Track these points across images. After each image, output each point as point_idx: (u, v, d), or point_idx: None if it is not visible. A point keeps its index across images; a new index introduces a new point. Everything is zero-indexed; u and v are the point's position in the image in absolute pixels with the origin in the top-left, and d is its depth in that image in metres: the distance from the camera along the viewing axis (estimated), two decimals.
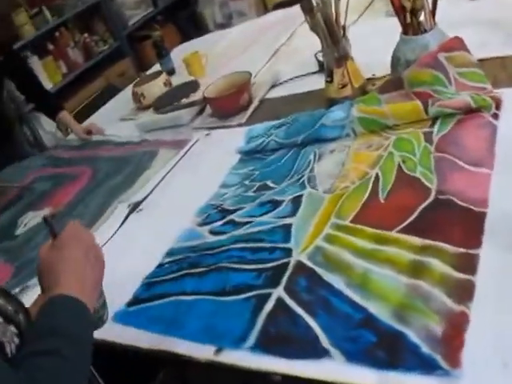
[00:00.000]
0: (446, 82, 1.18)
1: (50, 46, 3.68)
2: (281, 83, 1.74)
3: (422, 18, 1.25)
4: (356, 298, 0.81)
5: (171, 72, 2.39)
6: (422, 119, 1.14)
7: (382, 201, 0.98)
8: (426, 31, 1.24)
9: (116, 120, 2.14)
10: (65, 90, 3.64)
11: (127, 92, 2.25)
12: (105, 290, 0.89)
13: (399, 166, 1.05)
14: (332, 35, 1.32)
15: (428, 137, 1.09)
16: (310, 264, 0.91)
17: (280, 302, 0.87)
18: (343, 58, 1.34)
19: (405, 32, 1.27)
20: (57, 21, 3.73)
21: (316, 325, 0.80)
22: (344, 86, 1.36)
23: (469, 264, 0.78)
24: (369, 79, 1.44)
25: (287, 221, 1.04)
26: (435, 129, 1.10)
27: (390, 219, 0.92)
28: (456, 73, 1.19)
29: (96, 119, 2.29)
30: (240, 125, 1.58)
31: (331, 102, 1.38)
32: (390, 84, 1.28)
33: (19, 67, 2.17)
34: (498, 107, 1.09)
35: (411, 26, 1.25)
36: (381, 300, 0.78)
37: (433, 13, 1.25)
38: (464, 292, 0.74)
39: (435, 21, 1.25)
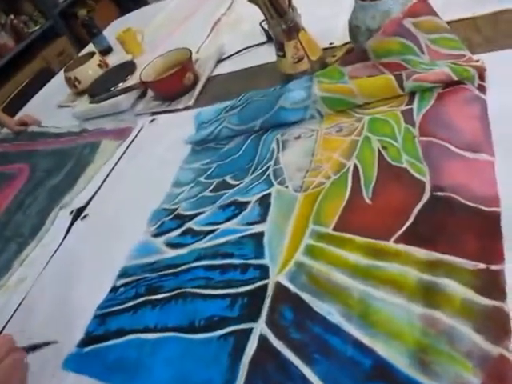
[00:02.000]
0: (417, 51, 0.96)
1: None
2: (227, 57, 1.49)
3: None
4: (359, 335, 0.60)
5: (107, 51, 2.10)
6: (397, 95, 0.93)
7: (368, 201, 0.76)
8: None
9: (53, 107, 1.85)
10: None
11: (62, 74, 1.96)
12: (51, 327, 0.79)
13: (380, 153, 0.83)
14: (276, 6, 1.08)
15: (407, 117, 0.87)
16: (292, 288, 0.70)
17: (264, 341, 0.65)
18: (293, 29, 1.10)
19: None
20: None
21: (314, 375, 0.59)
22: (300, 59, 1.13)
23: (494, 285, 0.58)
24: (326, 49, 1.21)
25: (257, 228, 0.82)
26: (414, 106, 0.89)
27: (382, 224, 0.71)
28: (427, 39, 0.97)
29: (31, 108, 2.00)
30: (188, 107, 1.34)
31: (287, 78, 1.15)
32: (353, 55, 1.06)
33: None
34: (482, 78, 0.89)
35: None
36: (391, 338, 0.58)
37: None
38: (497, 326, 0.55)
39: None
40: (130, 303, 0.83)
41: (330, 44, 1.24)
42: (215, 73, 1.45)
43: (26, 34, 3.50)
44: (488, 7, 1.06)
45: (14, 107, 2.10)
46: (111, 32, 2.15)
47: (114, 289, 0.88)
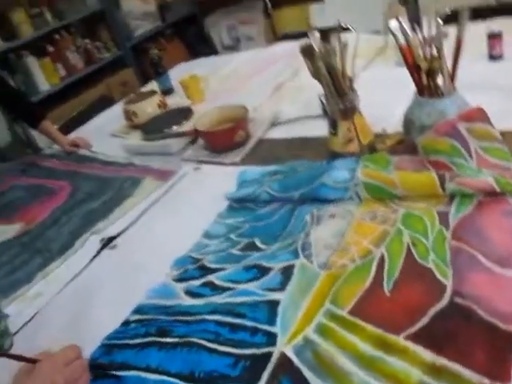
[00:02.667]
0: (465, 155, 1.00)
1: (50, 48, 3.47)
2: (281, 123, 1.55)
3: (439, 80, 1.08)
4: None
5: (168, 91, 2.20)
6: (436, 195, 0.96)
7: (387, 293, 0.78)
8: (443, 95, 1.07)
9: (106, 135, 1.95)
10: (64, 93, 3.44)
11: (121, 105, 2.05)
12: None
13: (408, 248, 0.86)
14: (337, 86, 1.13)
15: (443, 218, 0.90)
16: (296, 362, 0.71)
17: None
18: (349, 110, 1.15)
19: (420, 93, 1.10)
20: (58, 23, 3.53)
21: None
22: (350, 140, 1.18)
23: None
24: (378, 135, 1.25)
25: (275, 296, 0.84)
26: (452, 209, 0.92)
27: (396, 318, 0.73)
28: (478, 146, 1.00)
29: (85, 130, 2.10)
30: (234, 163, 1.39)
31: (334, 155, 1.20)
32: (402, 147, 1.10)
33: None
34: None
35: (427, 87, 1.08)
36: None
37: (452, 76, 1.08)
38: None
39: (454, 85, 1.08)
40: (138, 340, 0.85)
41: (383, 130, 1.27)
42: (267, 135, 1.50)
43: (97, 58, 3.69)
44: None
45: (70, 127, 2.21)
46: (176, 73, 2.26)
47: (126, 323, 0.91)
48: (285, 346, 0.75)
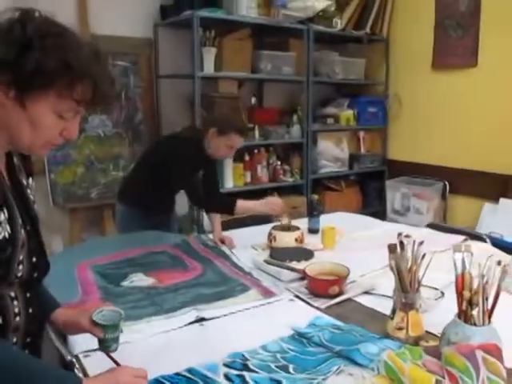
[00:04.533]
0: (474, 378, 1.25)
1: (246, 157, 4.13)
2: (372, 293, 1.88)
3: (476, 311, 1.34)
4: None
5: (314, 231, 2.63)
6: None
7: None
8: (475, 324, 1.34)
9: (250, 243, 2.44)
10: (244, 196, 4.07)
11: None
12: None
13: None
14: (402, 283, 1.47)
15: None
16: None
17: None
18: (408, 306, 1.47)
19: (459, 315, 1.37)
20: (262, 141, 4.19)
21: None
22: (401, 328, 1.49)
23: None
24: (428, 333, 1.53)
25: None
26: None
27: None
28: (486, 376, 1.26)
29: (239, 233, 2.62)
30: (318, 308, 1.75)
31: (386, 335, 1.51)
32: (433, 350, 1.39)
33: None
34: None
35: (464, 313, 1.36)
36: None
37: (489, 312, 1.34)
38: None
39: (490, 319, 1.34)
40: None
41: (439, 333, 1.54)
42: (356, 298, 1.84)
43: (280, 179, 4.32)
44: None
45: (232, 225, 2.76)
46: (332, 217, 2.70)
47: (178, 373, 1.30)
48: None
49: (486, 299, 1.34)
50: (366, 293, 1.89)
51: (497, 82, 4.00)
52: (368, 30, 4.59)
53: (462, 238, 2.47)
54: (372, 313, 1.73)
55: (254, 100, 4.38)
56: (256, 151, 4.22)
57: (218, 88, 3.98)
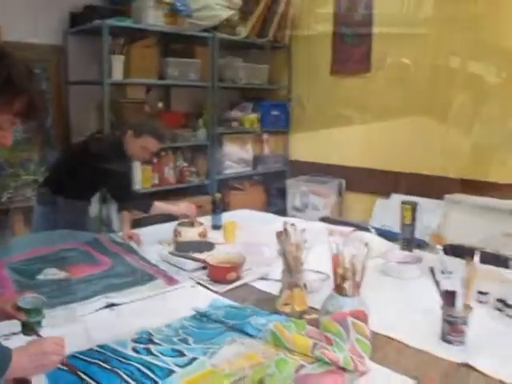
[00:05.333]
0: (345, 338, 1.49)
1: (155, 160, 4.28)
2: (266, 279, 2.11)
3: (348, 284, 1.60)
4: None
5: (217, 227, 2.84)
6: (307, 355, 1.47)
7: None
8: (347, 295, 1.59)
9: (157, 239, 2.62)
10: (151, 197, 4.23)
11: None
12: None
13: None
14: (288, 265, 1.71)
15: (298, 368, 1.41)
16: None
17: None
18: (293, 284, 1.72)
19: (335, 288, 1.62)
20: (169, 144, 4.32)
21: None
22: (287, 304, 1.73)
23: None
24: (313, 308, 1.77)
25: (175, 369, 1.39)
26: (309, 366, 1.42)
27: None
28: (354, 338, 1.51)
29: (146, 230, 2.80)
30: (217, 292, 1.96)
31: (275, 311, 1.74)
32: (314, 321, 1.63)
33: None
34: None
35: (339, 287, 1.61)
36: None
37: (357, 284, 1.59)
38: None
39: (359, 291, 1.60)
40: (95, 361, 1.41)
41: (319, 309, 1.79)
42: (252, 283, 2.07)
43: (186, 180, 4.54)
44: None
45: (142, 223, 2.94)
46: (234, 214, 2.92)
47: (91, 349, 1.47)
48: None
49: (355, 275, 1.61)
50: (262, 278, 2.12)
51: (387, 86, 4.41)
52: (271, 37, 4.88)
53: (351, 229, 2.76)
54: (265, 295, 1.96)
55: (161, 104, 4.55)
56: (163, 153, 4.39)
57: (126, 94, 4.15)
